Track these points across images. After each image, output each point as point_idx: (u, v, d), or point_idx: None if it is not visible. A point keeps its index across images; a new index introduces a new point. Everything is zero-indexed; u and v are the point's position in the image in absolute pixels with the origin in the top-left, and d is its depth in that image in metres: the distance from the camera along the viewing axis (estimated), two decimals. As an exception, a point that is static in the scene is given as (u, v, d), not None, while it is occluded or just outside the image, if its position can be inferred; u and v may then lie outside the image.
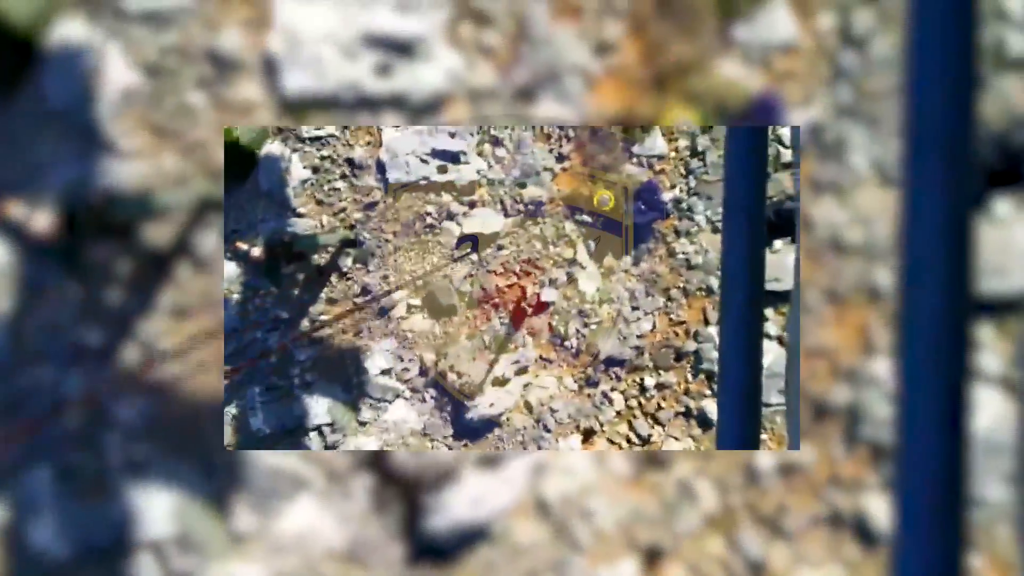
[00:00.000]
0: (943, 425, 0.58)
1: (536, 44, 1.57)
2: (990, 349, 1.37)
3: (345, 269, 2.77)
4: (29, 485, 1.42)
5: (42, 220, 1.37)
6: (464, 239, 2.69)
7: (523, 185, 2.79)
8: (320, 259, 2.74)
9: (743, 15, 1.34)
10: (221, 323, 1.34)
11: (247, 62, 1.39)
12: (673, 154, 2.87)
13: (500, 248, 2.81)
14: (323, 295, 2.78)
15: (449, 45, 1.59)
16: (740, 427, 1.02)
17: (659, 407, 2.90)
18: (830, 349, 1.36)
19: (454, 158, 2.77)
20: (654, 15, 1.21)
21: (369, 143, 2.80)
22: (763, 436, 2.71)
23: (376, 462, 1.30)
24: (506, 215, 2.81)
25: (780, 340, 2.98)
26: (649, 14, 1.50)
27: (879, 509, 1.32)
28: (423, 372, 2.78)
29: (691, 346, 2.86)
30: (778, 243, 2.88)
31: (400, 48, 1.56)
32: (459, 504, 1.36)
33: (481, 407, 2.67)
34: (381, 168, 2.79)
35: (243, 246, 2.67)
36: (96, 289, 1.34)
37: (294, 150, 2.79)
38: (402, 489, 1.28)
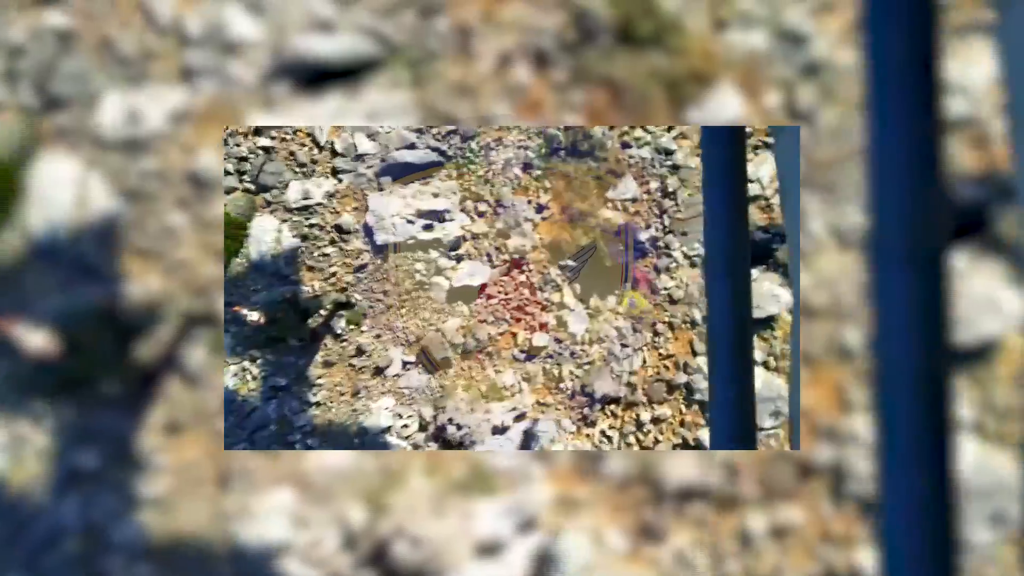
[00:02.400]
0: (925, 474, 0.57)
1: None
2: (962, 397, 1.37)
3: (339, 331, 2.77)
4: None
5: (39, 340, 1.35)
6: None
7: (506, 236, 2.81)
8: (314, 323, 2.73)
9: (692, 100, 1.38)
10: (220, 435, 1.31)
11: (217, 181, 1.41)
12: (646, 196, 2.91)
13: (489, 298, 2.82)
14: (319, 358, 2.77)
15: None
16: (733, 425, 0.97)
17: (656, 440, 2.88)
18: (808, 409, 1.36)
19: (438, 216, 2.80)
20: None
21: (356, 208, 2.82)
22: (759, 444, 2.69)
23: (378, 559, 1.26)
24: (492, 266, 2.83)
25: (765, 365, 2.99)
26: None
27: (870, 562, 1.31)
28: (423, 427, 2.76)
29: (682, 378, 2.86)
30: (754, 272, 2.91)
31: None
32: (461, 598, 1.31)
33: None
34: (368, 231, 2.81)
35: (243, 312, 2.66)
36: (88, 410, 1.32)
37: (283, 220, 2.80)
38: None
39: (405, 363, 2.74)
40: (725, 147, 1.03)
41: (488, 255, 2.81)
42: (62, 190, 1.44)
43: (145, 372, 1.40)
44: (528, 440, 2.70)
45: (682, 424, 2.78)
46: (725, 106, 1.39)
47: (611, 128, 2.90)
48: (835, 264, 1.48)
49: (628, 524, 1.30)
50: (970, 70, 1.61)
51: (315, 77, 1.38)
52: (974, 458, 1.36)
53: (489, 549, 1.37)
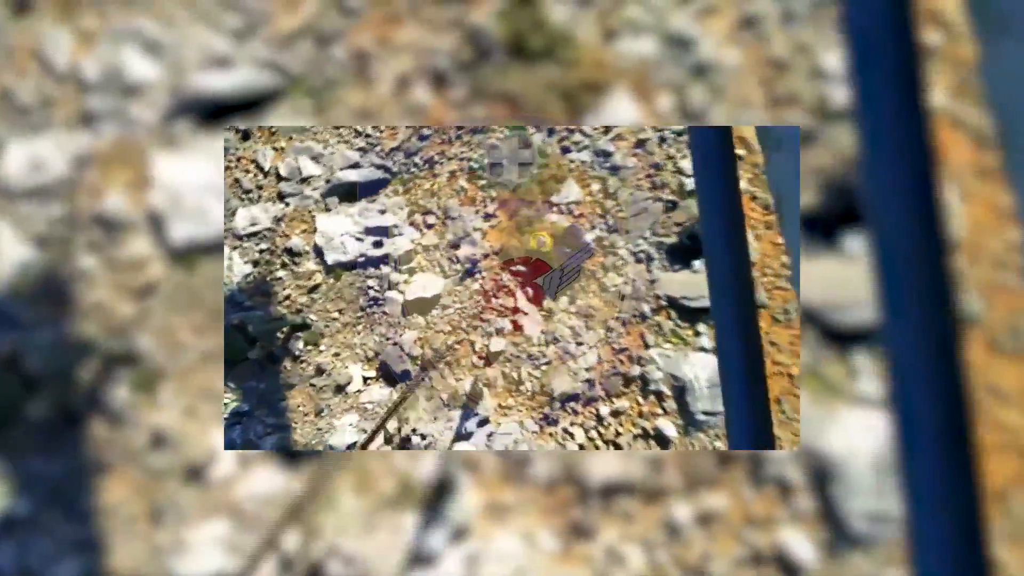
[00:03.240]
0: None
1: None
2: (867, 375, 1.42)
3: (297, 353, 2.75)
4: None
5: None
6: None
7: (456, 246, 2.83)
8: (271, 347, 2.72)
9: (588, 109, 1.41)
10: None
11: (134, 220, 1.39)
12: (588, 198, 2.95)
13: (444, 308, 2.83)
14: (280, 380, 2.75)
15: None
16: (751, 425, 0.95)
17: (618, 433, 2.92)
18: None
19: (387, 232, 2.80)
20: (507, 122, 1.53)
21: (304, 230, 2.81)
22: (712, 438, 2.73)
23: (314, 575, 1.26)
24: (445, 276, 2.84)
25: (714, 351, 3.04)
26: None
27: (795, 541, 1.35)
28: (388, 440, 2.76)
29: (636, 370, 2.91)
30: (697, 263, 2.96)
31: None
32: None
33: (449, 463, 2.65)
34: (319, 252, 2.80)
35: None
36: (16, 457, 1.30)
37: (233, 248, 2.78)
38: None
39: (365, 379, 2.74)
40: (716, 147, 1.01)
41: (440, 266, 2.82)
42: None
43: (68, 414, 1.38)
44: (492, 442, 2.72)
45: (640, 415, 2.82)
46: (620, 112, 1.42)
47: (550, 135, 2.93)
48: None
49: (558, 524, 1.32)
50: None
51: (216, 112, 1.38)
52: (887, 434, 1.41)
53: (423, 560, 1.39)
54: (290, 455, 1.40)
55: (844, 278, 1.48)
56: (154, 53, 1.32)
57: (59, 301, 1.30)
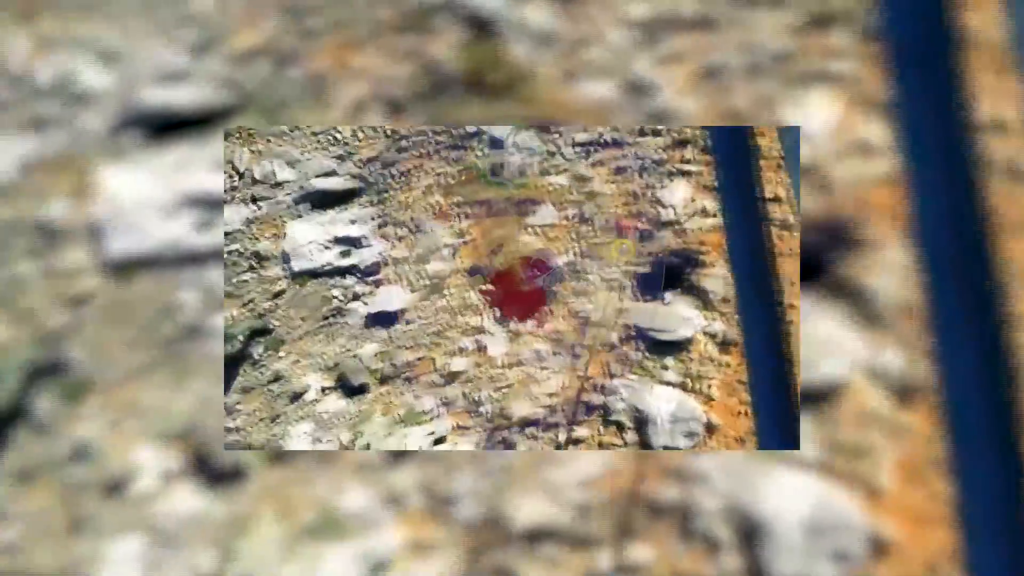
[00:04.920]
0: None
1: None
2: (806, 437, 1.42)
3: (257, 357, 2.75)
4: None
5: None
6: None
7: (426, 261, 2.83)
8: (231, 348, 2.71)
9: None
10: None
11: (74, 229, 1.39)
12: (564, 222, 2.96)
13: (408, 323, 2.83)
14: (237, 384, 2.75)
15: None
16: (779, 428, 0.95)
17: (575, 461, 2.91)
18: (658, 450, 1.39)
19: (355, 243, 2.80)
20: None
21: (274, 235, 2.81)
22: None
23: None
24: (412, 291, 2.84)
25: (682, 386, 3.05)
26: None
27: None
28: (343, 450, 2.75)
29: (598, 399, 2.91)
30: (668, 296, 2.98)
31: (218, 205, 2.20)
32: None
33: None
34: (286, 258, 2.80)
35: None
36: None
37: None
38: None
39: (323, 388, 2.74)
40: (739, 149, 0.99)
41: (407, 280, 2.83)
42: None
43: None
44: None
45: (600, 445, 2.83)
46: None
47: (530, 155, 2.95)
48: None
49: (480, 566, 1.31)
50: (812, 116, 1.67)
51: (166, 126, 1.39)
52: (817, 497, 1.41)
53: None
54: (216, 477, 1.39)
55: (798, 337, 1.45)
56: (109, 63, 1.33)
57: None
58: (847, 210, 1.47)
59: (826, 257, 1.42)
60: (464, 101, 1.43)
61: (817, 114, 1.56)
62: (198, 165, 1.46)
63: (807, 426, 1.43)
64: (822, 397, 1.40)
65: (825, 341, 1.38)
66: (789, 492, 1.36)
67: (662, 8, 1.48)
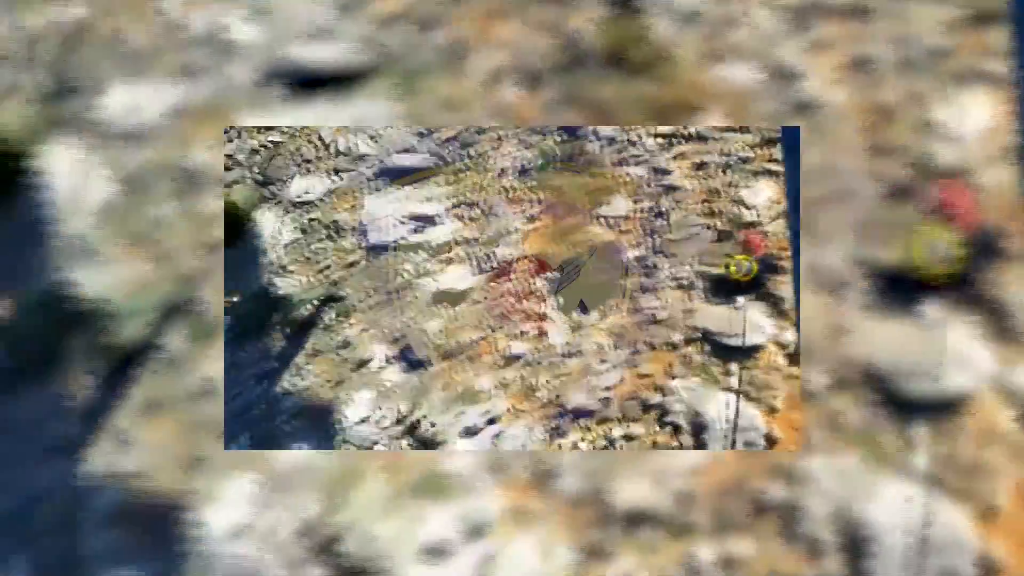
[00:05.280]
0: None
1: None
2: (922, 449, 1.35)
3: (327, 323, 2.84)
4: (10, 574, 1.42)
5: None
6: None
7: (495, 244, 2.85)
8: (304, 313, 2.82)
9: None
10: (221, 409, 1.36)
11: (215, 176, 1.47)
12: (638, 214, 2.91)
13: (474, 303, 2.86)
14: (308, 346, 2.85)
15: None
16: None
17: (627, 457, 2.87)
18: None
19: (429, 220, 2.85)
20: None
21: (352, 207, 2.89)
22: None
23: (328, 550, 1.30)
24: (479, 272, 2.86)
25: (745, 394, 2.95)
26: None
27: None
28: (399, 421, 2.81)
29: (657, 399, 2.86)
30: (739, 299, 2.88)
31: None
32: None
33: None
34: (362, 230, 2.87)
35: (228, 302, 2.76)
36: (71, 385, 1.40)
37: (285, 213, 2.89)
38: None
39: (387, 358, 2.81)
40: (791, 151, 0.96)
41: (476, 261, 2.85)
42: (65, 174, 1.53)
43: (127, 354, 1.48)
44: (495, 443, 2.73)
45: (653, 444, 2.78)
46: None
47: (609, 144, 2.91)
48: (807, 304, 1.44)
49: (578, 542, 1.30)
50: (966, 119, 1.57)
51: (308, 82, 1.43)
52: (929, 511, 1.34)
53: (436, 552, 1.40)
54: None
55: (918, 345, 1.38)
56: (259, 16, 1.38)
57: (135, 244, 1.40)
58: (993, 219, 1.38)
59: (971, 266, 1.33)
60: (601, 77, 1.41)
61: (970, 115, 1.46)
62: (337, 121, 1.51)
63: (924, 438, 1.35)
64: (944, 409, 1.32)
65: (955, 352, 1.30)
66: (900, 503, 1.29)
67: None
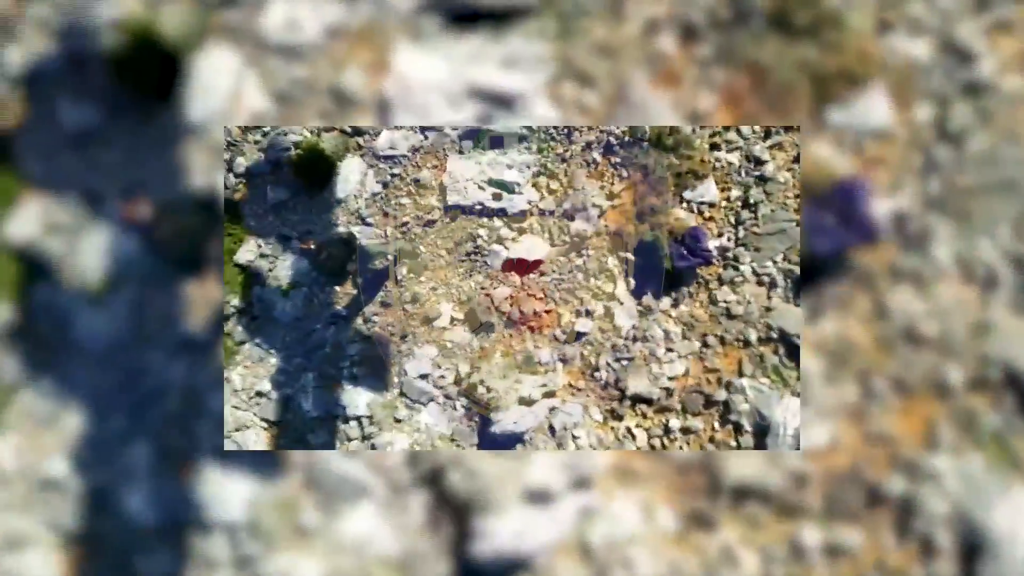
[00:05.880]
0: None
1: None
2: None
3: (400, 277, 2.91)
4: (129, 457, 1.57)
5: (144, 209, 1.49)
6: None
7: (571, 218, 2.79)
8: (379, 265, 2.90)
9: (838, 99, 1.25)
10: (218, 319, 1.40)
11: (364, 100, 1.48)
12: (725, 203, 2.75)
13: (543, 275, 2.83)
14: (379, 297, 2.94)
15: (551, 102, 1.77)
16: None
17: (681, 449, 2.75)
18: (892, 437, 1.23)
19: (509, 188, 2.83)
20: (748, 93, 1.23)
21: (435, 166, 2.92)
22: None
23: (434, 480, 1.32)
24: (552, 244, 2.82)
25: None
26: (743, 91, 1.54)
27: None
28: (457, 382, 2.85)
29: (722, 395, 2.72)
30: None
31: (502, 102, 1.77)
32: (505, 535, 1.32)
33: (505, 423, 2.69)
34: (443, 190, 2.90)
35: (307, 245, 2.88)
36: (201, 288, 1.48)
37: (370, 166, 2.96)
38: (455, 511, 1.27)
39: (453, 319, 2.84)
40: None
41: (551, 232, 2.81)
42: (221, 82, 1.58)
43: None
44: (552, 427, 2.69)
45: (711, 440, 2.65)
46: (872, 112, 1.24)
47: (702, 127, 2.76)
48: (953, 295, 1.28)
49: (681, 507, 1.26)
50: None
51: (466, 16, 1.39)
52: None
53: (539, 497, 1.38)
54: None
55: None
56: None
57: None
58: None
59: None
60: (763, 37, 1.31)
61: None
62: (490, 59, 1.49)
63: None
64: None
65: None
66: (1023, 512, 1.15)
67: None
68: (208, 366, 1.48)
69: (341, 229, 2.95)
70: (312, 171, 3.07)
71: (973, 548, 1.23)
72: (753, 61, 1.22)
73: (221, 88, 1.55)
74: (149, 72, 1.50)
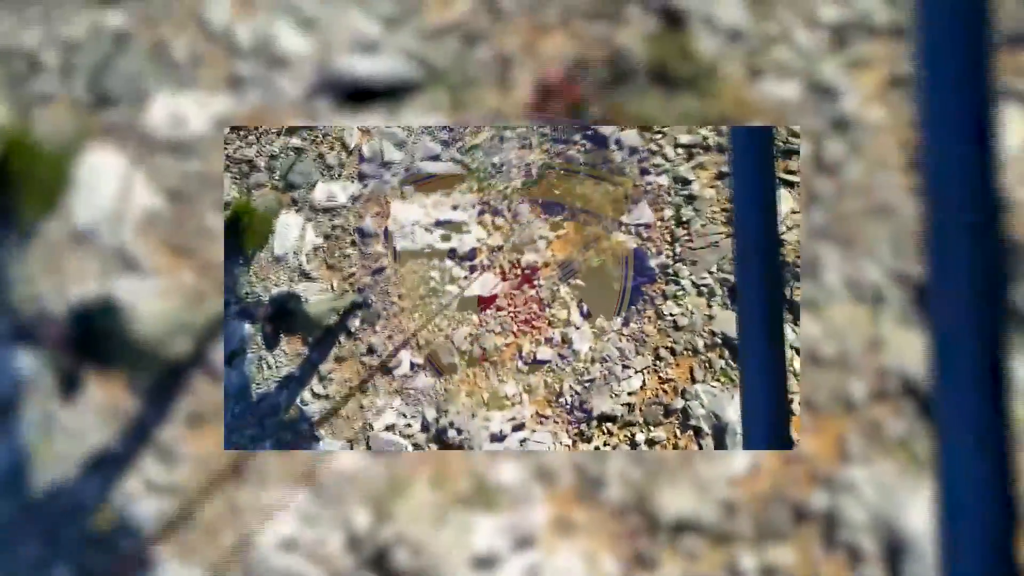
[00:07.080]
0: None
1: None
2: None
3: (353, 330, 2.79)
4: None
5: (54, 330, 1.36)
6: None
7: (520, 252, 2.82)
8: (329, 320, 2.76)
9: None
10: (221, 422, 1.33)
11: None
12: (659, 223, 2.91)
13: (499, 309, 2.83)
14: (332, 353, 2.79)
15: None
16: (767, 426, 0.91)
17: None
18: (808, 456, 1.35)
19: (456, 227, 2.81)
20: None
21: (378, 213, 2.85)
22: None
23: (379, 562, 1.27)
24: (504, 279, 2.84)
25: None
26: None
27: None
28: (425, 428, 2.77)
29: (679, 403, 2.86)
30: None
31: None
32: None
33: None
34: (388, 237, 2.83)
35: (249, 308, 2.69)
36: (117, 397, 1.35)
37: (308, 219, 2.83)
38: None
39: (413, 365, 2.76)
40: (757, 148, 0.98)
41: (501, 268, 2.82)
42: (107, 183, 1.47)
43: (174, 366, 1.44)
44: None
45: (675, 447, 2.77)
46: None
47: (631, 154, 2.90)
48: (846, 316, 1.45)
49: (622, 552, 1.30)
50: (1003, 135, 1.57)
51: (356, 95, 1.40)
52: None
53: (486, 563, 1.38)
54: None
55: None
56: (306, 28, 1.35)
57: (178, 254, 1.34)
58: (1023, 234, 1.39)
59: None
60: (645, 93, 1.40)
61: (1007, 133, 1.48)
62: (382, 135, 1.47)
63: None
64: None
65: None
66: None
67: (853, 12, 1.42)
68: (126, 478, 1.32)
69: (283, 288, 2.78)
70: (244, 232, 2.88)
71: (895, 550, 1.37)
72: (638, 116, 1.31)
73: (108, 190, 1.42)
74: (28, 183, 1.34)
